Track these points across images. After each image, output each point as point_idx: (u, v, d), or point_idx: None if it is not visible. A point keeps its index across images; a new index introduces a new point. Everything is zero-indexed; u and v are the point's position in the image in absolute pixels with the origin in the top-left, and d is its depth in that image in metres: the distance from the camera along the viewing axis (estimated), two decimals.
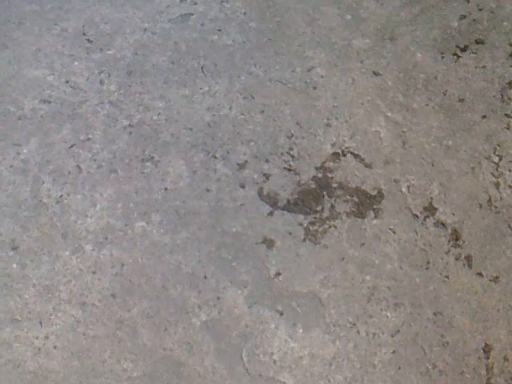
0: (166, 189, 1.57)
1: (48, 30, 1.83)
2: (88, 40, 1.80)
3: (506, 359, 1.36)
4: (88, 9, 1.87)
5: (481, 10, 1.84)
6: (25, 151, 1.62)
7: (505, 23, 1.82)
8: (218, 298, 1.43)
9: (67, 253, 1.49)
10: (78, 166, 1.60)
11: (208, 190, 1.57)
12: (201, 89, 1.72)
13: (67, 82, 1.73)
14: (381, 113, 1.66)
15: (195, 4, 1.88)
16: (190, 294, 1.44)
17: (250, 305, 1.43)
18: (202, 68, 1.76)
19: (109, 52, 1.78)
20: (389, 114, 1.66)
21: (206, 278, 1.46)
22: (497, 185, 1.57)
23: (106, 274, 1.46)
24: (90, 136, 1.64)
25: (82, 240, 1.50)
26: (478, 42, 1.78)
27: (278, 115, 1.66)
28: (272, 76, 1.73)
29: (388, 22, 1.82)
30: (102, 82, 1.73)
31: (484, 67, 1.73)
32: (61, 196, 1.56)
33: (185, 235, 1.51)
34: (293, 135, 1.63)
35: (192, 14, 1.86)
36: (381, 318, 1.41)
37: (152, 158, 1.61)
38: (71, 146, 1.63)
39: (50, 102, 1.69)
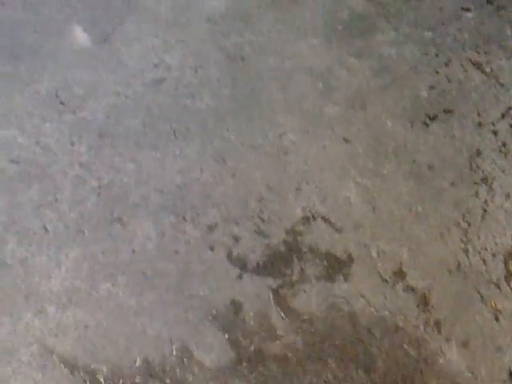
0: (133, 250, 1.81)
1: (20, 91, 2.12)
2: (61, 102, 2.10)
3: None
4: (62, 71, 2.18)
5: (450, 81, 2.20)
6: None
7: (473, 94, 2.17)
8: (183, 362, 1.64)
9: (29, 314, 1.69)
10: (45, 227, 1.84)
11: (176, 252, 1.80)
12: (172, 152, 2.00)
13: (37, 142, 2.00)
14: (351, 178, 1.95)
15: (169, 69, 2.20)
16: (155, 358, 1.64)
17: (217, 367, 1.63)
18: (174, 131, 2.05)
19: (81, 114, 2.07)
20: (359, 180, 1.95)
21: (171, 341, 1.67)
22: (465, 251, 1.84)
23: (69, 337, 1.66)
24: (58, 197, 1.89)
25: (46, 301, 1.71)
26: (446, 111, 2.11)
27: (249, 179, 1.94)
28: (244, 141, 2.02)
29: (359, 90, 2.15)
30: (72, 144, 2.00)
31: (453, 136, 2.06)
32: (25, 257, 1.78)
33: (151, 297, 1.73)
34: (263, 198, 1.90)
35: (165, 79, 2.18)
36: None
37: (120, 219, 1.86)
38: (38, 207, 1.87)
39: (18, 163, 1.95)
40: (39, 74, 2.16)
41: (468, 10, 2.40)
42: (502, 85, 2.17)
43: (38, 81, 2.14)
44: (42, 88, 2.13)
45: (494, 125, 2.07)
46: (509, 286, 1.77)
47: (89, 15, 2.34)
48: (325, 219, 1.86)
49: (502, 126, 2.07)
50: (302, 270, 1.77)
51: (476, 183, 1.94)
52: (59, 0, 2.38)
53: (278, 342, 1.66)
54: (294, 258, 1.79)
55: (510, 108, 2.10)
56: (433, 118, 2.07)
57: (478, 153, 2.01)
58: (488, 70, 2.21)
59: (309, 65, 2.21)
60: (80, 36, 2.27)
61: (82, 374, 1.61)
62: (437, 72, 2.20)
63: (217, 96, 2.12)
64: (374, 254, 1.81)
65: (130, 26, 2.32)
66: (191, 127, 2.04)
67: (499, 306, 1.74)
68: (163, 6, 2.38)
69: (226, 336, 1.67)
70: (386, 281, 1.76)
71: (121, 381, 1.60)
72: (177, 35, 2.30)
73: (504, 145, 2.02)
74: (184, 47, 2.26)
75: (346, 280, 1.76)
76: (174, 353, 1.64)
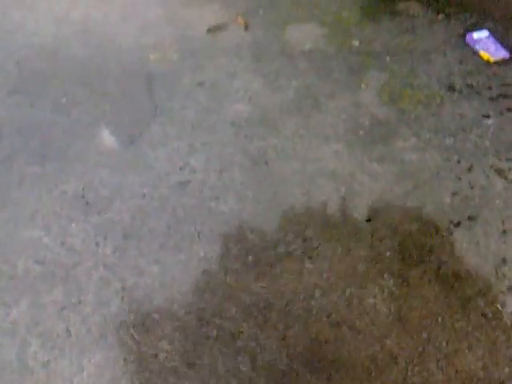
0: (155, 355, 1.87)
1: (48, 191, 2.26)
2: (87, 203, 2.23)
3: None
4: (88, 172, 2.33)
5: (472, 187, 2.32)
6: (14, 312, 1.94)
7: (496, 201, 2.29)
8: None
9: None
10: (68, 330, 1.92)
11: (200, 358, 1.87)
12: (196, 254, 2.10)
13: (62, 243, 2.12)
14: (376, 283, 2.03)
15: (194, 172, 2.35)
16: None
17: None
18: (199, 234, 2.17)
19: (106, 215, 2.20)
20: (384, 285, 2.03)
21: None
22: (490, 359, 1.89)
23: None
24: (82, 298, 1.98)
25: None
26: (470, 218, 2.22)
27: (276, 284, 2.03)
28: (267, 244, 2.13)
29: (382, 195, 2.28)
30: (97, 245, 2.12)
31: (477, 243, 2.15)
32: (47, 360, 1.85)
33: None
34: (290, 301, 1.99)
35: (190, 182, 2.32)
36: None
37: (143, 324, 1.94)
38: (62, 309, 1.96)
39: (43, 263, 2.06)
40: (66, 175, 2.31)
41: (488, 116, 2.57)
42: None
43: (65, 181, 2.29)
44: (69, 189, 2.27)
45: None
46: None
47: (116, 118, 2.52)
48: (350, 327, 1.93)
49: None
50: (328, 379, 1.82)
51: (502, 292, 2.02)
52: (88, 102, 2.57)
53: None
54: (320, 366, 1.84)
55: None
56: (456, 225, 2.18)
57: (504, 261, 2.10)
58: (510, 176, 2.34)
59: (331, 169, 2.35)
60: (107, 138, 2.45)
61: None
62: (459, 178, 2.33)
63: (240, 199, 2.24)
64: (403, 364, 1.86)
65: (157, 128, 2.49)
66: (215, 229, 2.16)
67: None
68: (189, 110, 2.57)
69: None
70: None
71: None
72: (202, 138, 2.46)
73: None
74: (208, 150, 2.42)
75: None
76: None
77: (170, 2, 3.11)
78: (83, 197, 2.24)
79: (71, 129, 2.47)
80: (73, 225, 2.16)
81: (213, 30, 2.96)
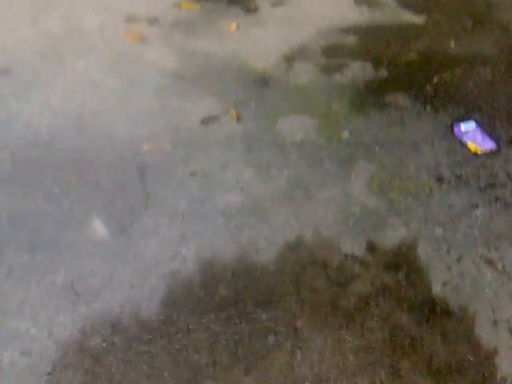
0: None
1: (36, 282, 2.32)
2: (76, 293, 2.28)
3: None
4: (79, 262, 2.39)
5: (463, 277, 2.39)
6: None
7: (487, 291, 2.35)
8: None
9: None
10: None
11: None
12: (185, 348, 2.14)
13: (50, 334, 2.16)
14: (368, 376, 2.07)
15: (185, 261, 2.42)
16: None
17: None
18: (187, 326, 2.21)
19: (95, 306, 2.25)
20: (377, 376, 2.06)
21: None
22: None
23: None
24: None
25: None
26: (461, 308, 2.28)
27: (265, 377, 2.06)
28: (258, 338, 2.17)
29: (372, 285, 2.35)
30: (85, 336, 2.15)
31: (469, 334, 2.20)
32: None
33: None
34: None
35: (180, 271, 2.38)
36: None
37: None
38: None
39: (30, 355, 2.09)
40: (56, 265, 2.38)
41: (477, 206, 2.68)
42: None
43: (54, 271, 2.36)
44: (59, 279, 2.33)
45: (509, 323, 2.23)
46: None
47: (108, 208, 2.61)
48: None
49: None
50: None
51: None
52: (80, 192, 2.67)
53: None
54: None
55: None
56: (447, 314, 2.24)
57: (496, 352, 2.14)
58: (500, 266, 2.42)
59: (321, 259, 2.43)
60: (98, 228, 2.53)
61: None
62: (449, 268, 2.41)
63: (231, 289, 2.30)
64: None
65: (148, 218, 2.59)
66: (205, 319, 2.20)
67: None
68: (181, 200, 2.67)
69: None
70: None
71: None
72: (193, 228, 2.55)
73: None
74: (199, 240, 2.50)
75: None
76: None
77: (165, 93, 3.28)
78: (72, 287, 2.30)
79: (62, 219, 2.56)
80: (61, 316, 2.20)
81: (206, 121, 3.11)
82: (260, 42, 3.70)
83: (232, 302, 2.26)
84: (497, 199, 2.71)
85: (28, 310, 2.21)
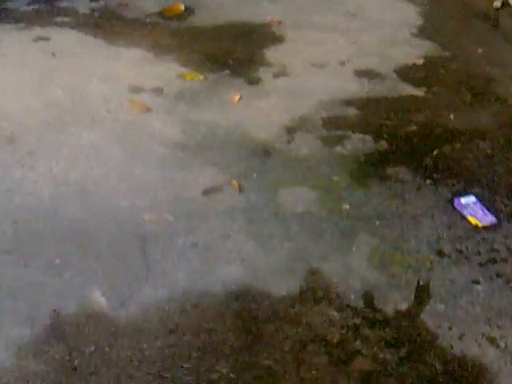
0: None
1: (34, 355, 2.32)
2: (74, 368, 2.28)
3: None
4: (77, 336, 2.40)
5: (464, 356, 2.39)
6: None
7: (489, 369, 2.35)
8: None
9: None
10: None
11: None
12: None
13: None
14: None
15: (184, 334, 2.42)
16: None
17: None
18: None
19: (92, 380, 2.25)
20: None
21: None
22: None
23: None
24: None
25: None
26: None
27: None
28: None
29: (373, 363, 2.34)
30: None
31: None
32: None
33: None
34: None
35: (179, 344, 2.39)
36: None
37: None
38: None
39: None
40: (54, 339, 2.38)
41: (478, 282, 2.69)
42: None
43: (52, 346, 2.36)
44: (57, 353, 2.33)
45: None
46: None
47: (108, 279, 2.63)
48: None
49: None
50: None
51: None
52: (81, 263, 2.70)
53: None
54: None
55: None
56: None
57: None
58: (502, 345, 2.42)
59: (323, 335, 2.43)
60: (98, 300, 2.54)
61: None
62: (451, 346, 2.41)
63: (230, 366, 2.30)
64: None
65: (148, 290, 2.60)
66: None
67: None
68: (181, 271, 2.69)
69: None
70: None
71: None
72: (192, 300, 2.56)
73: None
74: (199, 313, 2.51)
75: None
76: None
77: (168, 163, 3.34)
78: (70, 361, 2.30)
79: (62, 290, 2.57)
80: None
81: (208, 192, 3.16)
82: (262, 113, 3.79)
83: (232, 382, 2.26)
84: (498, 275, 2.73)
85: None
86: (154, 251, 2.78)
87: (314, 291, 2.64)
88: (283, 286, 2.64)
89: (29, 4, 4.95)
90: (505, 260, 2.81)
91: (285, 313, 2.52)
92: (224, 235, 2.90)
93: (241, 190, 3.17)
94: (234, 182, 3.21)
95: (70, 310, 2.49)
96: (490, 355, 2.38)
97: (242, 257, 2.79)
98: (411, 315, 2.53)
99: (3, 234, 2.83)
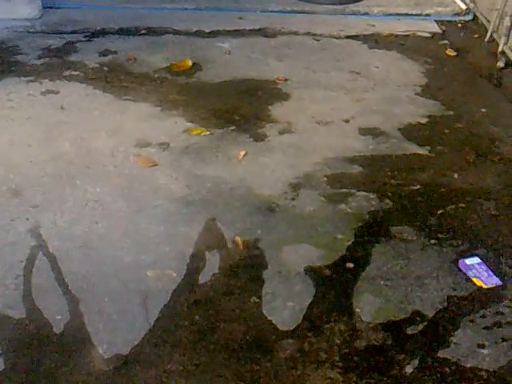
0: None
1: None
2: None
3: None
4: None
5: None
6: None
7: None
8: None
9: None
10: None
11: None
12: None
13: None
14: None
15: None
16: None
17: None
18: None
19: None
20: None
21: None
22: None
23: None
24: None
25: None
26: None
27: None
28: None
29: None
30: None
31: None
32: None
33: None
34: None
35: None
36: None
37: None
38: None
39: None
40: None
41: (483, 346, 2.67)
42: None
43: None
44: None
45: None
46: None
47: (109, 337, 2.62)
48: None
49: None
50: None
51: None
52: (82, 319, 2.69)
53: None
54: None
55: None
56: None
57: None
58: None
59: None
60: (98, 358, 2.52)
61: None
62: None
63: None
64: None
65: (150, 349, 2.59)
66: None
67: None
68: (183, 329, 2.68)
69: None
70: None
71: None
72: (194, 360, 2.54)
73: None
74: (201, 373, 2.49)
75: None
76: None
77: (172, 219, 3.36)
78: None
79: (63, 347, 2.56)
80: None
81: (212, 248, 3.17)
82: (267, 169, 3.83)
83: None
84: (503, 339, 2.71)
85: None
86: (155, 309, 2.78)
87: (317, 353, 2.61)
88: (286, 347, 2.62)
89: (39, 57, 5.05)
90: (510, 324, 2.79)
91: (287, 375, 2.50)
92: (227, 293, 2.90)
93: (244, 246, 3.17)
94: (238, 239, 3.22)
95: (69, 370, 2.47)
96: None
97: (244, 315, 2.78)
98: (417, 379, 2.50)
99: (6, 288, 2.84)
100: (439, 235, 3.34)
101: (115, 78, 4.83)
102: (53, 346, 2.57)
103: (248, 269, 3.05)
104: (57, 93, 4.57)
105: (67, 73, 4.87)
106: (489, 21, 5.79)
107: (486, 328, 2.77)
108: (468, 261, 3.13)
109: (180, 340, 2.64)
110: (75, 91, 4.60)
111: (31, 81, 4.72)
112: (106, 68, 4.99)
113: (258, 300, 2.87)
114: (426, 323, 2.79)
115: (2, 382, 2.40)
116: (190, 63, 5.09)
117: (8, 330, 2.63)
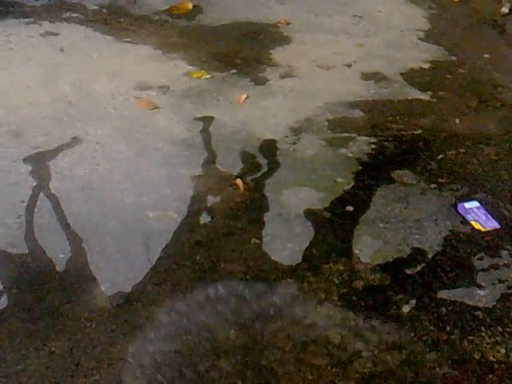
0: None
1: (36, 350, 2.31)
2: (76, 363, 2.28)
3: None
4: (79, 331, 2.39)
5: (468, 357, 2.38)
6: None
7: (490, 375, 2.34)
8: None
9: None
10: None
11: None
12: None
13: None
14: None
15: (189, 333, 2.42)
16: None
17: None
18: None
19: (94, 378, 2.24)
20: None
21: None
22: None
23: None
24: None
25: None
26: None
27: None
28: None
29: (376, 367, 2.33)
30: None
31: None
32: None
33: None
34: None
35: (182, 343, 2.38)
36: None
37: None
38: None
39: None
40: (56, 333, 2.37)
41: (480, 287, 2.69)
42: None
43: (54, 339, 2.35)
44: (57, 347, 2.32)
45: None
46: None
47: (111, 275, 2.63)
48: None
49: None
50: None
51: None
52: (84, 258, 2.69)
53: None
54: None
55: None
56: None
57: None
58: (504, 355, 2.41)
59: (324, 336, 2.42)
60: (100, 296, 2.54)
61: None
62: (454, 348, 2.40)
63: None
64: None
65: (151, 287, 2.60)
66: None
67: None
68: (184, 268, 2.69)
69: None
70: None
71: None
72: (196, 301, 2.55)
73: None
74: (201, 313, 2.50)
75: None
76: None
77: (173, 162, 3.34)
78: (71, 356, 2.29)
79: (65, 284, 2.57)
80: None
81: (212, 190, 3.15)
82: (268, 113, 3.78)
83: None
84: (500, 281, 2.72)
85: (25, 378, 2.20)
86: (157, 249, 2.78)
87: (316, 292, 2.62)
88: (286, 288, 2.63)
89: None
90: (507, 265, 2.80)
91: (287, 312, 2.51)
92: (227, 234, 2.90)
93: (245, 189, 3.16)
94: (238, 181, 3.20)
95: (72, 307, 2.48)
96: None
97: (244, 256, 2.79)
98: (413, 318, 2.52)
99: (8, 227, 2.83)
100: (439, 179, 3.32)
101: (115, 21, 4.74)
102: (55, 283, 2.58)
103: (248, 211, 3.04)
104: (56, 34, 4.49)
105: (66, 14, 4.78)
106: None
107: (483, 270, 2.77)
108: (467, 204, 3.12)
109: (181, 279, 2.64)
110: (75, 33, 4.52)
111: (30, 22, 4.63)
112: (105, 10, 4.90)
113: (258, 241, 2.87)
114: (423, 265, 2.78)
115: (7, 319, 2.41)
116: (190, 6, 4.99)
117: (11, 267, 2.63)
